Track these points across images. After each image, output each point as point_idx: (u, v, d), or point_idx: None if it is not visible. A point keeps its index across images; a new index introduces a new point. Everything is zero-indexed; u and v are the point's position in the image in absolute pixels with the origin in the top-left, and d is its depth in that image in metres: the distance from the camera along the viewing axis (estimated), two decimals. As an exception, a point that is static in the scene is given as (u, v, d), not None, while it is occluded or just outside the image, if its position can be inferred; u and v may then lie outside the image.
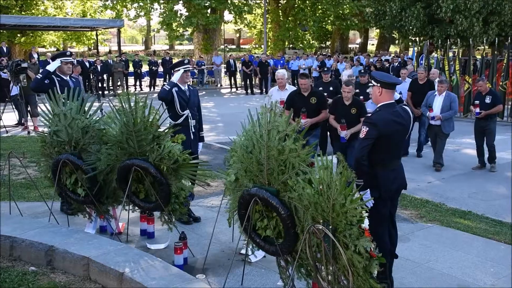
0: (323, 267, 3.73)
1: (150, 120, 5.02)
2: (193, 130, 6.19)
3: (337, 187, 3.37)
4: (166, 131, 5.07)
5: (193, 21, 27.37)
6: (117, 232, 5.70)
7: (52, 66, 6.21)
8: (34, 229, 4.77)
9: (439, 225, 6.36)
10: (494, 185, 8.70)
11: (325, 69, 11.72)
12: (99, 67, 22.15)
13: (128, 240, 5.59)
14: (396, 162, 4.42)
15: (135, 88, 24.60)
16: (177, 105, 6.03)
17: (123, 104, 4.99)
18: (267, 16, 31.33)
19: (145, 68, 25.30)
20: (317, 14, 33.37)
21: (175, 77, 6.06)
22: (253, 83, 24.07)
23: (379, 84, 4.26)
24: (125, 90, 23.24)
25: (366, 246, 3.29)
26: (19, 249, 4.56)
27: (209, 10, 28.95)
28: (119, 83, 22.99)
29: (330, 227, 3.46)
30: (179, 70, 6.07)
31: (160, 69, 25.19)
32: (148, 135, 5.01)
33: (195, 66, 26.32)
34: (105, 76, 22.92)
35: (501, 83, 14.99)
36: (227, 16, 33.69)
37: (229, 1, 28.80)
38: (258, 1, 35.30)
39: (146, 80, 25.32)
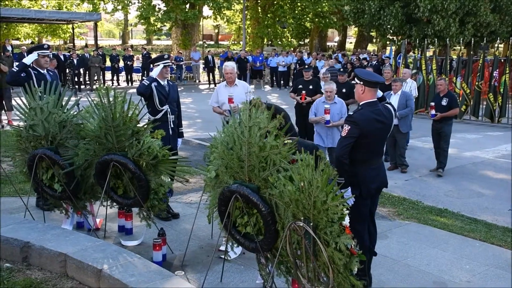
0: (303, 264, 3.73)
1: (129, 115, 4.95)
2: (172, 126, 6.14)
3: (319, 184, 3.37)
4: (145, 126, 5.01)
5: (171, 16, 27.15)
6: (95, 228, 5.63)
7: (28, 59, 6.08)
8: (9, 225, 4.66)
9: (416, 222, 6.44)
10: (469, 184, 8.85)
11: (306, 67, 11.74)
12: (75, 61, 21.83)
13: (105, 237, 5.51)
14: (377, 160, 4.44)
15: (112, 83, 24.31)
16: (156, 100, 5.97)
17: (102, 98, 4.91)
18: (246, 12, 31.24)
19: (122, 63, 25.02)
20: (296, 11, 33.44)
21: (155, 72, 5.99)
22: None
23: (362, 82, 4.27)
24: (102, 85, 22.86)
25: (347, 243, 3.30)
26: (-7, 246, 4.46)
27: (188, 5, 28.73)
28: (96, 78, 22.69)
29: (311, 224, 3.46)
30: (158, 65, 6.01)
31: (137, 63, 24.97)
32: (127, 130, 4.95)
33: (173, 61, 26.15)
34: (81, 71, 22.62)
35: (476, 83, 15.24)
36: (206, 11, 33.48)
37: (208, -4, 28.65)
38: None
39: (123, 75, 25.05)
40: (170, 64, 6.37)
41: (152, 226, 5.25)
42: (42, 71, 6.20)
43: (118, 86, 23.39)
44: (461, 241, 5.83)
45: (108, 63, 23.96)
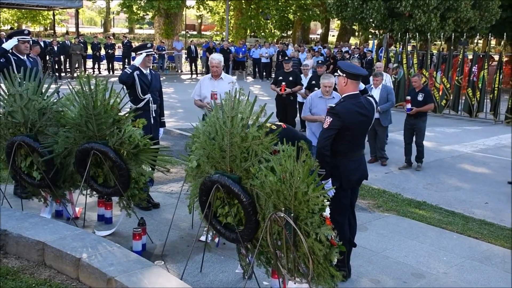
0: (283, 255, 3.75)
1: (110, 103, 4.90)
2: (154, 115, 6.10)
3: (300, 175, 3.38)
4: (127, 115, 4.96)
5: (154, 4, 26.88)
6: (74, 217, 5.57)
7: (8, 45, 5.97)
8: (-15, 213, 4.60)
9: (395, 215, 6.51)
10: (448, 177, 8.97)
11: (286, 58, 11.75)
12: (56, 48, 21.51)
13: (84, 226, 5.47)
14: (358, 152, 4.47)
15: (93, 71, 24.03)
16: (138, 89, 5.92)
17: (83, 86, 4.85)
18: (229, 3, 31.07)
19: (104, 51, 24.70)
20: (280, 3, 33.34)
21: (137, 61, 5.94)
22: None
23: (344, 75, 4.28)
24: (83, 73, 22.59)
25: (327, 234, 3.32)
26: (-31, 234, 4.39)
27: (171, -6, 28.46)
28: (77, 66, 22.39)
29: (292, 215, 3.47)
30: (141, 53, 5.95)
31: (118, 52, 24.70)
32: (108, 118, 4.90)
33: (155, 50, 25.92)
34: (62, 58, 22.29)
35: (456, 78, 15.42)
36: (189, 1, 33.20)
37: (191, -14, 28.42)
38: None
39: (104, 63, 24.76)
40: (153, 53, 6.30)
41: (132, 216, 5.22)
42: (22, 57, 6.10)
43: (99, 74, 23.12)
44: (438, 233, 5.92)
45: (89, 51, 23.65)
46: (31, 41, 6.41)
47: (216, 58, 6.66)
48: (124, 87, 5.88)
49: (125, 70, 5.97)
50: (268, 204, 3.77)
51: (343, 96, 4.37)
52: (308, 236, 3.41)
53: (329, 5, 22.83)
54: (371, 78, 10.03)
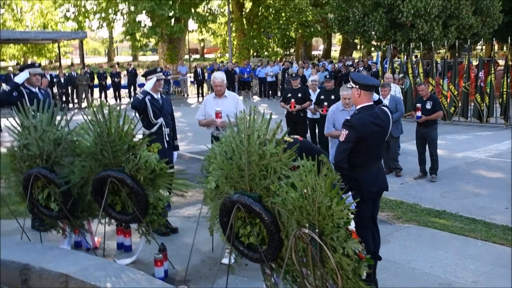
0: (310, 272, 3.68)
1: (125, 129, 4.89)
2: (167, 139, 6.10)
3: (322, 190, 3.34)
4: (141, 140, 4.95)
5: (157, 30, 27.16)
6: (93, 247, 5.54)
7: (20, 78, 6.01)
8: (5, 248, 4.56)
9: (416, 225, 6.42)
10: (464, 184, 8.88)
11: (293, 75, 11.76)
12: (62, 80, 21.72)
13: (105, 255, 5.44)
14: (376, 164, 4.43)
15: (100, 101, 24.15)
16: (150, 114, 5.92)
17: (97, 114, 4.86)
18: (231, 24, 31.36)
19: (110, 80, 24.91)
20: (281, 22, 33.63)
21: (148, 86, 5.96)
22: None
23: (357, 86, 4.26)
24: (91, 103, 22.90)
25: (354, 248, 3.26)
26: (-9, 269, 4.36)
27: (173, 20, 28.77)
28: (84, 96, 22.57)
29: (317, 230, 3.42)
30: (151, 78, 5.98)
31: (123, 80, 24.92)
32: (123, 145, 4.89)
33: (160, 76, 26.08)
34: (69, 89, 22.49)
35: (463, 84, 15.36)
36: (192, 25, 33.55)
37: (193, 10, 28.70)
38: (222, 10, 35.37)
39: (111, 92, 24.94)
40: (163, 77, 6.32)
41: (152, 242, 5.18)
42: (34, 90, 6.14)
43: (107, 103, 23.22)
44: (462, 241, 5.82)
45: (96, 81, 23.87)
46: (42, 73, 6.45)
47: (219, 76, 6.59)
48: (136, 113, 5.89)
49: (137, 95, 5.99)
50: (291, 221, 3.73)
51: (357, 107, 4.34)
52: (335, 251, 3.36)
53: (330, 20, 22.94)
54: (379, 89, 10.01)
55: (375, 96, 4.44)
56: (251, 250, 4.15)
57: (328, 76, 11.07)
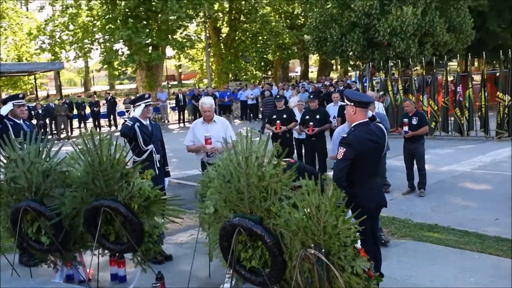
0: (316, 293, 3.61)
1: (116, 157, 4.80)
2: (158, 165, 6.00)
3: (327, 209, 3.30)
4: (134, 167, 4.86)
5: (135, 58, 27.10)
6: (87, 279, 5.37)
7: (4, 110, 5.89)
8: (-2, 285, 4.40)
9: (412, 240, 6.41)
10: (453, 197, 8.92)
11: (277, 96, 11.80)
12: (40, 111, 21.44)
13: (99, 287, 5.27)
14: (373, 180, 4.41)
15: (80, 131, 23.91)
16: (140, 141, 5.84)
17: (87, 143, 4.76)
18: (209, 49, 31.50)
19: (88, 109, 24.69)
20: (258, 45, 33.92)
21: (137, 112, 5.88)
22: (201, 116, 23.96)
23: (352, 104, 4.26)
24: (70, 134, 22.67)
25: (363, 266, 3.21)
26: (-17, 309, 4.19)
27: (150, 47, 28.77)
28: (62, 127, 22.28)
29: (323, 250, 3.36)
30: (139, 105, 5.91)
31: (103, 109, 24.74)
32: (115, 173, 4.78)
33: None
34: (47, 121, 22.19)
35: (443, 99, 15.60)
36: (169, 51, 33.59)
37: (170, 37, 28.77)
38: (199, 36, 35.55)
39: (90, 122, 24.70)
40: (151, 103, 6.26)
41: (147, 271, 5.04)
42: (18, 121, 6.01)
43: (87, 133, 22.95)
44: (459, 254, 5.81)
45: (75, 111, 23.63)
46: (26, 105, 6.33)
47: (207, 102, 6.54)
48: (125, 140, 5.80)
49: (126, 123, 5.90)
50: (294, 242, 3.67)
51: (353, 125, 4.33)
52: (343, 271, 3.30)
53: (308, 41, 23.20)
54: None
55: (369, 113, 4.44)
56: (253, 274, 4.07)
57: (312, 96, 11.08)
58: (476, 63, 34.27)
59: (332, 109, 11.40)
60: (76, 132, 23.82)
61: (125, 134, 5.74)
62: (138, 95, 6.70)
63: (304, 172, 3.70)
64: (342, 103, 11.29)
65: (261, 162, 3.87)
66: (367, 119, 4.33)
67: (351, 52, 20.44)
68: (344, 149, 4.16)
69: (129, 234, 4.81)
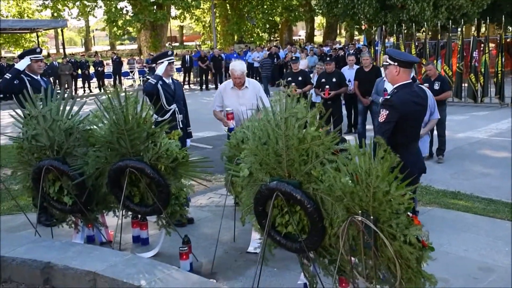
0: (359, 261, 3.46)
1: (143, 116, 4.58)
2: (181, 125, 5.79)
3: (378, 173, 3.10)
4: (161, 127, 4.65)
5: (140, 17, 26.51)
6: (108, 241, 5.25)
7: (21, 65, 5.63)
8: (23, 245, 4.25)
9: (438, 207, 6.26)
10: (472, 165, 8.77)
11: (293, 58, 11.50)
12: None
13: (121, 249, 5.13)
14: (415, 144, 4.22)
15: (84, 91, 23.62)
16: (163, 100, 5.61)
17: (112, 101, 4.53)
18: (215, 10, 30.83)
19: (92, 69, 24.28)
20: (265, 6, 33.18)
21: (159, 70, 5.63)
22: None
23: (396, 63, 4.01)
24: (74, 93, 22.33)
25: (417, 235, 3.04)
26: (9, 269, 4.04)
27: (155, 7, 28.13)
28: (66, 86, 21.95)
29: (371, 217, 3.19)
30: (162, 62, 5.65)
31: (107, 69, 24.34)
32: (141, 133, 4.57)
33: (145, 64, 25.60)
34: (51, 79, 21.84)
35: (457, 65, 15.26)
36: (173, 11, 32.87)
37: (175, -4, 28.13)
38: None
39: (94, 82, 24.35)
40: (174, 60, 5.97)
41: (167, 234, 4.91)
42: (35, 77, 5.77)
43: (91, 93, 22.70)
44: (490, 222, 5.67)
45: (78, 71, 23.25)
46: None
47: (238, 69, 5.98)
48: (147, 98, 5.57)
49: (149, 81, 5.65)
50: (337, 208, 3.49)
51: (396, 86, 4.10)
52: (394, 239, 3.13)
53: (318, 3, 22.61)
54: (382, 70, 9.82)
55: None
56: (289, 239, 3.90)
57: (328, 59, 10.80)
58: (483, 29, 33.57)
59: (347, 72, 11.12)
60: (80, 92, 23.50)
61: (149, 92, 5.50)
62: (160, 52, 6.40)
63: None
64: (357, 66, 11.04)
65: (302, 123, 3.65)
66: (411, 81, 4.09)
67: (363, 15, 19.90)
68: (387, 111, 3.94)
69: (155, 196, 4.64)
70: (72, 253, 4.06)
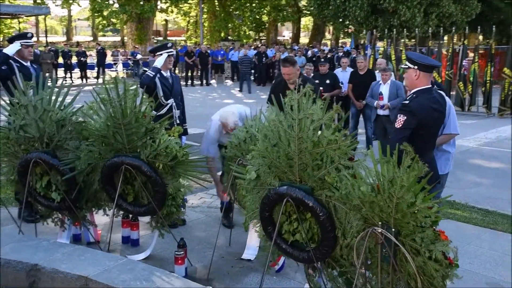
0: (372, 275, 3.26)
1: (142, 110, 4.30)
2: (178, 122, 5.51)
3: (404, 183, 2.89)
4: (160, 122, 4.37)
5: (127, 9, 25.98)
6: (96, 240, 4.95)
7: (10, 50, 5.29)
8: (6, 244, 3.94)
9: (437, 217, 6.09)
10: (464, 174, 8.65)
11: (322, 60, 11.28)
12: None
13: (109, 250, 4.84)
14: (430, 153, 4.02)
15: (66, 80, 23.03)
16: (160, 94, 5.32)
17: (109, 92, 4.24)
18: (202, 5, 30.45)
19: (75, 59, 23.73)
20: (254, 4, 32.90)
21: (158, 62, 5.35)
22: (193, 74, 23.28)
23: (416, 67, 3.81)
24: (55, 83, 21.66)
25: (444, 251, 2.84)
26: (-9, 270, 3.74)
27: (142, -1, 27.66)
28: (47, 75, 21.38)
29: (393, 229, 2.97)
30: (161, 54, 5.37)
31: (90, 59, 23.82)
32: (139, 128, 4.29)
33: (129, 57, 25.12)
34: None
35: (446, 72, 15.25)
36: (160, 5, 32.38)
37: (163, -11, 27.69)
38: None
39: (77, 72, 23.79)
40: (174, 53, 5.70)
41: (164, 236, 4.65)
42: (25, 64, 5.43)
43: (73, 84, 22.16)
44: (492, 234, 5.53)
45: (60, 60, 22.69)
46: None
47: (231, 121, 4.93)
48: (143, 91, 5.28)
49: (147, 73, 5.36)
50: (350, 218, 3.28)
51: (414, 91, 3.89)
52: (417, 254, 2.92)
53: (309, 3, 22.46)
54: (377, 73, 9.68)
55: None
56: (296, 248, 3.67)
57: (323, 60, 10.59)
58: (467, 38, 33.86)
59: (340, 74, 10.94)
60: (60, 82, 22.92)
61: (146, 85, 5.20)
62: (160, 44, 6.10)
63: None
64: (351, 69, 10.87)
65: (317, 126, 3.42)
66: (431, 86, 3.89)
67: (354, 18, 19.80)
68: (405, 117, 3.73)
69: (150, 196, 4.37)
70: (61, 255, 3.76)
